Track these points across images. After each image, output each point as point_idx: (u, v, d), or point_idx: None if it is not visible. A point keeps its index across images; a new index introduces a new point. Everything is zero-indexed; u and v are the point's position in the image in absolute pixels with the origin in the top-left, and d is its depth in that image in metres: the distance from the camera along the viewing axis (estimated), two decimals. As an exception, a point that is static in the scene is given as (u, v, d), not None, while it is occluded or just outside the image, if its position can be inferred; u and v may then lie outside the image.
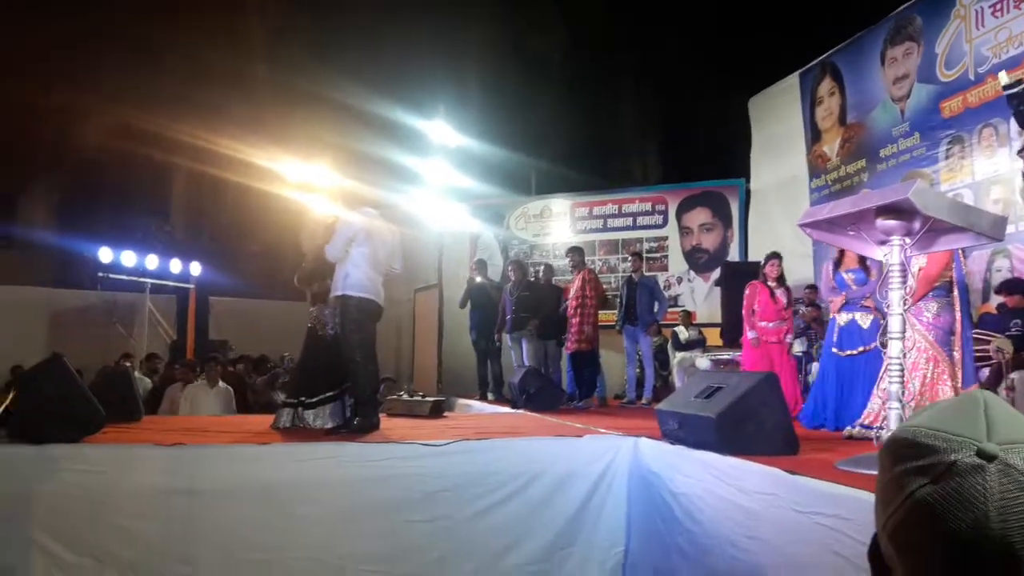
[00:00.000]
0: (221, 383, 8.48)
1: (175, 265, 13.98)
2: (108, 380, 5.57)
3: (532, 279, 9.02)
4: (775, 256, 7.01)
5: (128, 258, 13.26)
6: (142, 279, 13.75)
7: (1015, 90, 5.13)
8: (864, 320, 5.35)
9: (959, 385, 4.52)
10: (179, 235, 15.68)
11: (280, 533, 3.97)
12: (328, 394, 4.94)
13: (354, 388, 5.03)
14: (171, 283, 14.32)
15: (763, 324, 6.76)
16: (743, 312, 6.96)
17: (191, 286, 14.58)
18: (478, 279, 9.30)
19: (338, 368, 4.99)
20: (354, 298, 4.87)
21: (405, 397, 6.76)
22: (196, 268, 14.46)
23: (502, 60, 15.07)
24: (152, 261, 13.64)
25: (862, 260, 5.29)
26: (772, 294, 6.79)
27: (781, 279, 6.95)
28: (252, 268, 14.08)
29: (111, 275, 13.26)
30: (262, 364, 10.82)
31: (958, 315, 4.64)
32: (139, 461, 3.99)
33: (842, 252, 5.34)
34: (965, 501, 0.66)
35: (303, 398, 4.93)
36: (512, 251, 13.36)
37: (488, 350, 9.03)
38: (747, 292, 6.98)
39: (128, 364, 8.99)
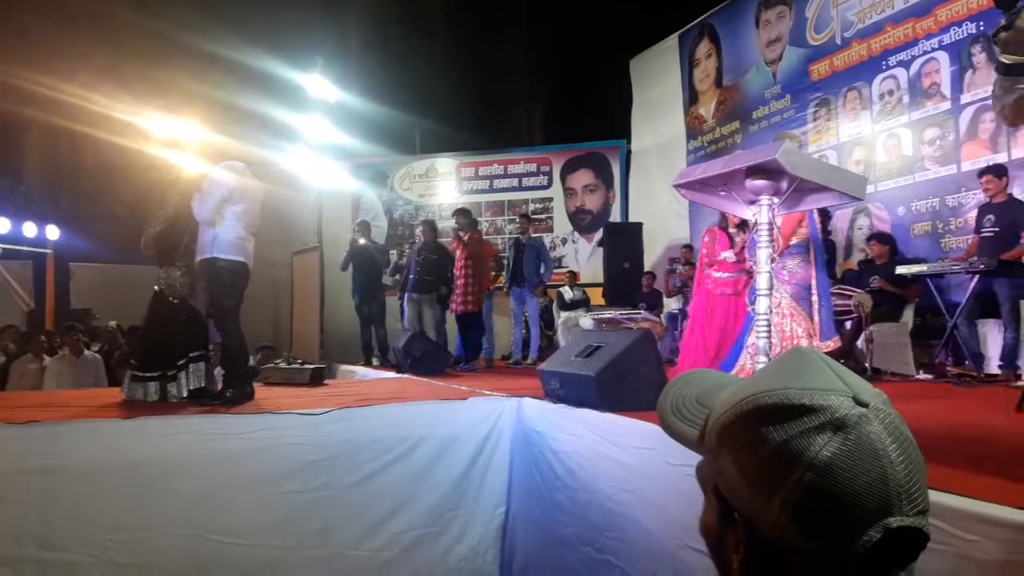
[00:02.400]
0: (87, 352, 7.97)
1: (29, 228, 12.92)
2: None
3: (440, 241, 8.85)
4: None
5: (-26, 221, 12.17)
6: (-9, 244, 12.65)
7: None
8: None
9: (816, 340, 4.74)
10: (34, 195, 14.49)
11: (149, 511, 3.75)
12: (181, 361, 4.67)
13: (226, 357, 4.79)
14: (26, 248, 13.22)
15: (718, 275, 6.00)
16: (698, 262, 6.35)
17: (48, 251, 13.53)
18: (361, 241, 9.06)
19: (188, 334, 4.73)
20: (224, 260, 4.61)
21: (283, 365, 6.54)
22: (54, 232, 13.42)
23: (384, 13, 14.62)
24: (3, 224, 12.55)
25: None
26: (732, 241, 6.02)
27: (744, 225, 5.87)
28: (115, 231, 13.16)
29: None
30: (134, 335, 10.20)
31: (813, 272, 4.84)
32: (-13, 441, 3.67)
33: None
34: (868, 450, 0.64)
35: (165, 371, 4.64)
36: (397, 212, 13.13)
37: (371, 314, 8.85)
38: (705, 239, 6.22)
39: (-25, 337, 8.30)
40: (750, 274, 5.47)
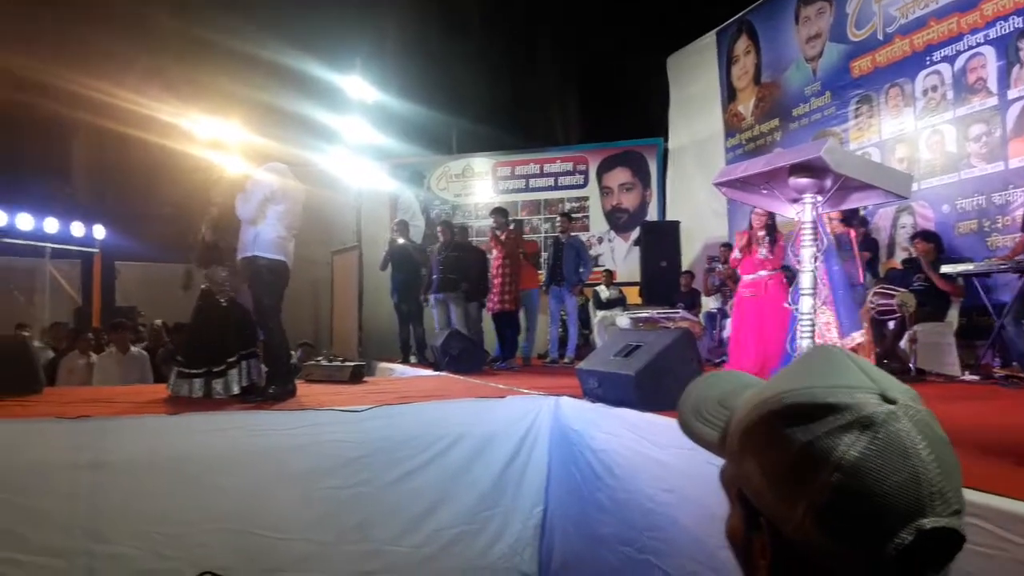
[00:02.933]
0: (134, 349, 8.15)
1: (77, 228, 13.27)
2: (5, 351, 5.24)
3: (460, 240, 8.91)
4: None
5: (25, 221, 12.51)
6: (41, 243, 12.99)
7: None
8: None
9: (835, 335, 4.67)
10: (81, 196, 14.85)
11: (193, 506, 3.84)
12: (231, 359, 4.76)
13: (268, 355, 4.87)
14: (74, 247, 13.58)
15: (744, 277, 6.15)
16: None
17: (95, 250, 13.88)
18: (400, 240, 9.14)
19: (238, 333, 4.82)
20: (264, 259, 4.69)
21: (324, 363, 6.62)
22: (100, 231, 13.76)
23: (421, 14, 14.70)
24: (52, 224, 12.90)
25: None
26: (749, 244, 6.11)
27: (771, 228, 6.01)
28: (160, 231, 13.42)
29: (6, 239, 12.48)
30: (180, 332, 10.40)
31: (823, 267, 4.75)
32: (39, 435, 3.78)
33: None
34: (898, 448, 0.62)
35: (212, 368, 4.73)
36: (433, 212, 13.20)
37: (410, 313, 8.92)
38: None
39: (27, 334, 8.53)
40: (790, 271, 5.41)
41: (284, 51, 11.29)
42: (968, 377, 5.78)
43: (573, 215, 10.79)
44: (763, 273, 5.93)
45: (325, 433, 4.10)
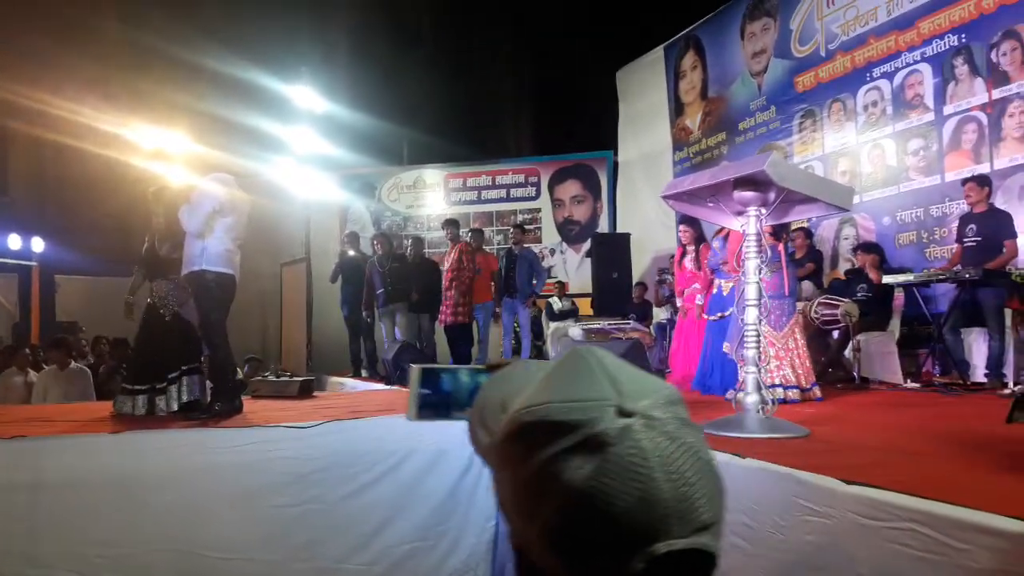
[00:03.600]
0: (74, 364, 7.89)
1: (14, 241, 12.82)
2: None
3: (400, 251, 8.84)
4: (684, 219, 6.55)
5: (-42, 234, 12.06)
6: (-26, 257, 12.54)
7: None
8: (726, 287, 5.57)
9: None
10: (18, 208, 14.37)
11: (137, 526, 3.72)
12: (172, 375, 4.65)
13: (214, 370, 4.76)
14: (11, 261, 13.11)
15: (683, 291, 6.46)
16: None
17: (33, 263, 13.43)
18: (350, 252, 9.04)
19: (181, 348, 4.72)
20: (212, 272, 4.59)
21: (271, 378, 6.50)
22: (39, 244, 13.32)
23: (371, 24, 14.63)
24: (-13, 237, 12.47)
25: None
26: (681, 260, 6.50)
27: (698, 241, 6.43)
28: (102, 243, 13.09)
29: (-62, 252, 12.02)
30: (121, 348, 10.13)
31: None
32: (-28, 456, 3.63)
33: None
34: (628, 471, 0.58)
35: (155, 384, 4.61)
36: (384, 223, 13.11)
37: (360, 326, 8.83)
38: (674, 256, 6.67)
39: (-40, 351, 8.20)
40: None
41: (230, 60, 11.12)
42: (910, 385, 5.94)
43: (526, 227, 10.83)
44: (696, 286, 6.25)
45: (273, 450, 4.01)
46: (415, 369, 1.01)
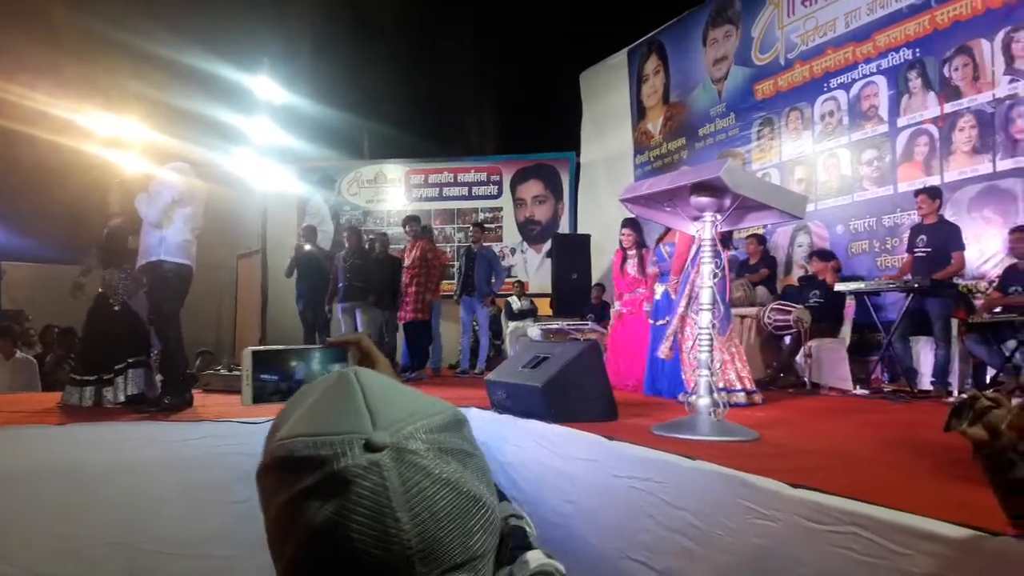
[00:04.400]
0: (19, 353, 7.68)
1: (-41, 226, 12.44)
2: None
3: (366, 247, 8.77)
4: (626, 223, 6.62)
5: (-101, 217, 11.64)
6: (-84, 241, 12.12)
7: None
8: (659, 291, 5.63)
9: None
10: (-37, 192, 13.92)
11: (81, 521, 3.64)
12: (119, 366, 4.56)
13: (165, 363, 4.67)
14: (-46, 246, 12.72)
15: (624, 295, 6.50)
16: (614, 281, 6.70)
17: (-21, 249, 13.03)
18: (307, 246, 8.94)
19: (129, 339, 4.63)
20: (171, 263, 4.53)
21: (223, 372, 6.39)
22: (-15, 230, 12.94)
23: (333, 15, 14.47)
24: (-71, 221, 12.05)
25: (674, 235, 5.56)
26: (623, 262, 6.50)
27: (640, 246, 6.52)
28: (51, 230, 12.74)
29: None
30: (69, 337, 9.86)
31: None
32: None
33: (668, 227, 5.57)
34: (369, 510, 0.56)
35: (102, 375, 4.51)
36: (344, 217, 12.99)
37: (316, 321, 8.72)
38: (613, 259, 6.70)
39: None
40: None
41: (189, 49, 10.91)
42: (859, 391, 6.07)
43: (486, 225, 10.79)
44: (640, 291, 6.29)
45: (222, 445, 3.95)
46: (247, 352, 1.01)
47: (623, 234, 6.56)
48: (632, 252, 6.48)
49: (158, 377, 4.86)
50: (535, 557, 0.84)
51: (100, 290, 4.81)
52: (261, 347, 1.02)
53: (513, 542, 0.84)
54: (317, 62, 13.54)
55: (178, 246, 4.57)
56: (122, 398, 4.53)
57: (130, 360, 4.60)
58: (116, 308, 4.72)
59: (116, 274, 4.79)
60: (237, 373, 6.23)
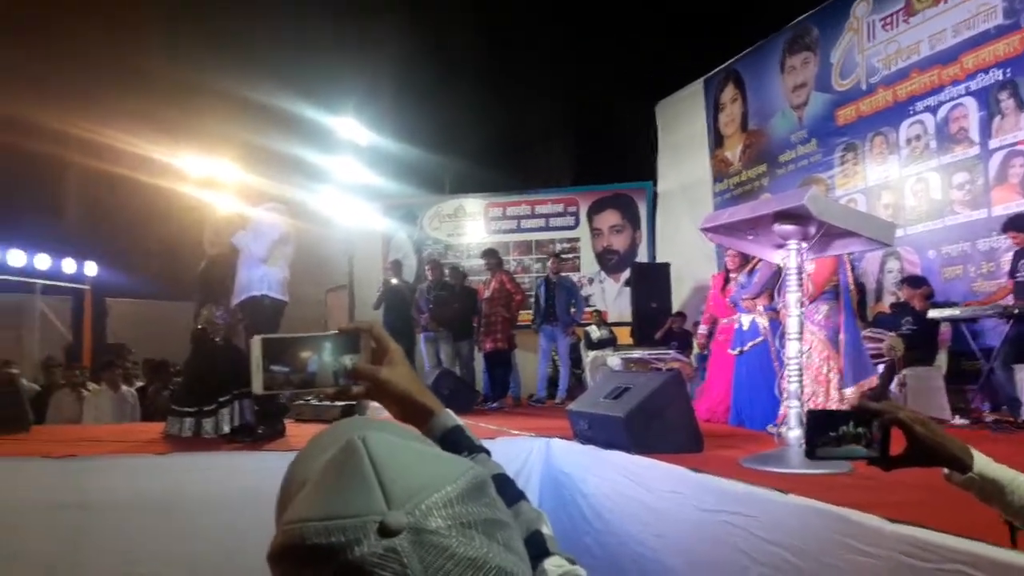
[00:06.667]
0: (124, 387, 8.12)
1: (68, 265, 13.26)
2: (-10, 388, 5.22)
3: (447, 279, 8.95)
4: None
5: (16, 257, 12.48)
6: (32, 280, 12.97)
7: None
8: (745, 321, 5.53)
9: (840, 387, 4.73)
10: (72, 233, 14.86)
11: (178, 547, 3.79)
12: (223, 399, 4.76)
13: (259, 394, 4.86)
14: (65, 284, 13.57)
15: (722, 321, 6.25)
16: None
17: (86, 287, 13.86)
18: (393, 280, 9.19)
19: (233, 372, 4.82)
20: (272, 299, 4.73)
21: (314, 402, 6.59)
22: (92, 268, 13.76)
23: (414, 56, 14.91)
24: (43, 260, 12.89)
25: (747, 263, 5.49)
26: (725, 286, 6.16)
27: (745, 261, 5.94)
28: (151, 267, 13.48)
29: (-4, 276, 12.46)
30: (162, 369, 10.36)
31: (842, 317, 4.85)
32: (24, 474, 3.76)
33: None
34: None
35: (203, 407, 4.73)
36: (426, 251, 13.26)
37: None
38: (712, 282, 6.37)
39: (15, 371, 8.46)
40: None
41: (277, 92, 11.43)
42: (958, 421, 5.81)
43: (563, 256, 10.86)
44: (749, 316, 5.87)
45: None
46: (256, 340, 0.99)
47: (729, 255, 6.05)
48: (735, 275, 6.03)
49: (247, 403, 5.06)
50: (555, 564, 0.81)
51: (200, 326, 5.04)
52: (272, 335, 1.01)
53: (528, 552, 0.83)
54: (399, 102, 13.96)
55: (279, 282, 4.77)
56: (226, 429, 4.70)
57: (233, 392, 4.80)
58: (218, 342, 4.94)
59: (214, 310, 5.01)
60: (326, 403, 6.43)
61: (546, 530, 0.89)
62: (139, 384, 9.04)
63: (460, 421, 1.04)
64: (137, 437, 4.91)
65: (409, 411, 1.03)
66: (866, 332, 6.51)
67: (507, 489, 0.92)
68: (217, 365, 4.87)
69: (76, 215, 15.46)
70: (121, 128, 11.62)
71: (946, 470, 1.25)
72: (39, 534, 3.65)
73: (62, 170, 15.31)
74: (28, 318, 13.14)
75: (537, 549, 0.83)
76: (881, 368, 6.44)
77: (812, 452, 1.34)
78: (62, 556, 3.67)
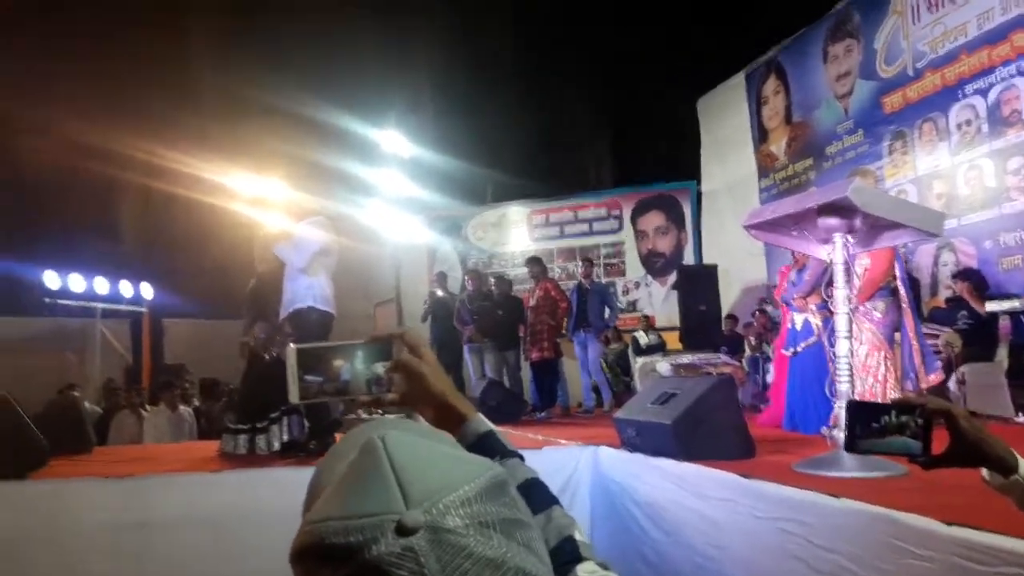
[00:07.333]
0: (182, 408, 8.33)
1: (126, 287, 13.67)
2: (56, 411, 5.41)
3: (490, 289, 8.96)
4: None
5: (76, 282, 12.92)
6: (92, 303, 13.40)
7: None
8: (798, 320, 5.39)
9: (897, 383, 4.59)
10: (129, 255, 15.31)
11: (233, 564, 3.85)
12: (273, 415, 4.83)
13: (310, 409, 4.92)
14: (123, 307, 13.99)
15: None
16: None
17: (144, 309, 14.26)
18: (439, 292, 9.25)
19: (283, 388, 4.88)
20: (319, 311, 4.79)
21: (364, 415, 6.65)
22: (148, 290, 14.15)
23: (453, 67, 15.05)
24: (102, 284, 13.31)
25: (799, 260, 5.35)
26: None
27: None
28: (204, 287, 13.79)
29: (60, 301, 12.89)
30: (215, 388, 10.57)
31: (909, 313, 4.70)
32: (86, 495, 3.88)
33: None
34: None
35: (256, 423, 4.81)
36: (471, 261, 13.31)
37: (449, 364, 8.94)
38: (780, 275, 6.01)
39: (77, 393, 8.74)
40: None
41: (322, 107, 11.63)
42: (1021, 419, 5.60)
43: (605, 260, 10.76)
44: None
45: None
46: (291, 349, 1.04)
47: None
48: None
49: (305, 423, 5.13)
50: (588, 570, 0.79)
51: (251, 343, 5.14)
52: (306, 344, 1.05)
53: (560, 559, 0.78)
54: (439, 114, 14.10)
55: (325, 295, 4.83)
56: (276, 445, 4.78)
57: (284, 408, 4.87)
58: (268, 359, 5.03)
59: (264, 327, 5.11)
60: (377, 416, 6.49)
61: (579, 536, 0.89)
62: (196, 403, 9.26)
63: (493, 426, 1.03)
64: (193, 456, 5.03)
65: (443, 415, 1.03)
66: (923, 329, 6.31)
67: (541, 494, 0.93)
68: (267, 381, 4.94)
69: (131, 237, 15.94)
70: (174, 148, 11.93)
71: (986, 472, 1.20)
72: (100, 555, 3.75)
73: (118, 193, 15.80)
74: (90, 342, 13.57)
75: (570, 555, 0.84)
76: (938, 366, 6.24)
77: (852, 445, 1.30)
78: (123, 574, 3.76)
